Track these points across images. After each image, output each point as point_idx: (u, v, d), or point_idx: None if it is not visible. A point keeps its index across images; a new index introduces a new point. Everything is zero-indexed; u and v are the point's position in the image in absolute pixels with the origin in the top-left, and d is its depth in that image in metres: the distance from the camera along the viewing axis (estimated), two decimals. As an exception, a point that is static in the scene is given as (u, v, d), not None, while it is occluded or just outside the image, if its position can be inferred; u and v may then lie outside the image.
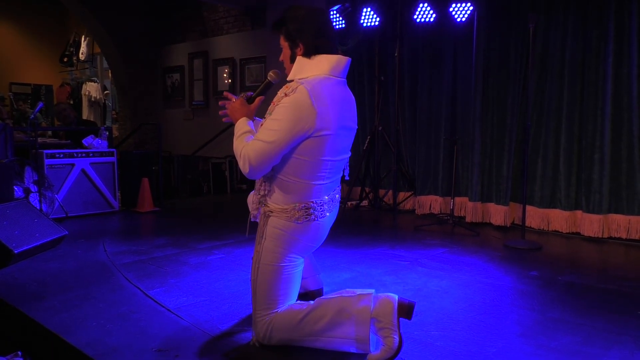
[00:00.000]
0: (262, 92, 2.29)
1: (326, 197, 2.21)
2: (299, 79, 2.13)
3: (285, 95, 2.05)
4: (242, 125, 2.20)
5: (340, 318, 2.05)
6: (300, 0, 2.97)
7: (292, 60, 2.22)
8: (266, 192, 2.19)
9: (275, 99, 2.13)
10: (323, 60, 2.16)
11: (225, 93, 2.42)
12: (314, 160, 2.10)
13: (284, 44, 2.23)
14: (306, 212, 2.14)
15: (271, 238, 2.16)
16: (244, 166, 2.06)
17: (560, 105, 4.65)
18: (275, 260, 2.15)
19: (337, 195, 2.31)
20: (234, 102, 2.28)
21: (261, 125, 2.15)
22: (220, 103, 2.36)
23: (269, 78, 2.30)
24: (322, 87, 2.09)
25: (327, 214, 2.22)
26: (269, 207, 2.18)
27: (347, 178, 2.48)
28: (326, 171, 2.17)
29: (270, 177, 2.17)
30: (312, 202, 2.15)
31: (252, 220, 2.33)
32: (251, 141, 2.08)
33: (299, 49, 2.18)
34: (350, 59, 2.26)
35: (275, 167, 2.12)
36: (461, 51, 5.30)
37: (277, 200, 2.16)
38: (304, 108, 2.01)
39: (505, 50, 4.94)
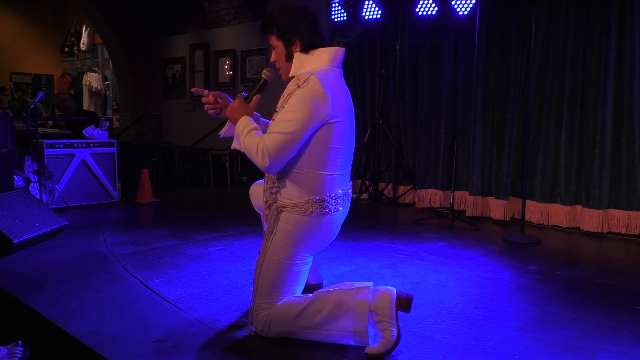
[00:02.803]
0: (258, 91, 2.30)
1: (340, 191, 2.21)
2: (306, 72, 2.15)
3: (298, 86, 2.07)
4: (245, 122, 2.18)
5: (339, 311, 2.05)
6: None
7: (288, 58, 2.24)
8: (279, 189, 2.19)
9: (285, 92, 2.15)
10: (322, 53, 2.20)
11: (193, 89, 2.48)
12: (326, 149, 2.12)
13: (277, 43, 2.24)
14: (320, 205, 2.14)
15: (282, 234, 2.15)
16: (262, 160, 2.04)
17: (561, 100, 4.64)
18: (284, 257, 2.14)
19: (349, 191, 2.31)
20: (233, 102, 2.28)
21: (274, 119, 2.14)
22: (200, 95, 2.40)
23: (263, 76, 2.31)
24: (329, 77, 2.14)
25: (340, 208, 2.23)
26: (281, 202, 2.18)
27: None
28: (337, 161, 2.17)
29: (283, 172, 2.16)
30: (326, 195, 2.15)
31: (263, 220, 2.33)
32: (268, 135, 2.07)
33: (295, 45, 2.21)
34: (345, 49, 2.29)
35: (288, 161, 2.12)
36: (462, 45, 5.28)
37: (290, 195, 2.16)
38: (318, 97, 2.04)
39: (506, 44, 4.92)
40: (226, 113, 2.30)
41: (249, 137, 2.12)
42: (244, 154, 2.18)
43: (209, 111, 2.38)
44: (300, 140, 2.06)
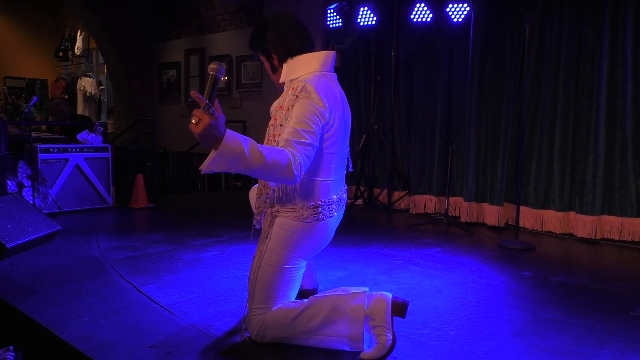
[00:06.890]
0: (213, 90, 1.79)
1: (334, 197, 2.21)
2: (297, 78, 2.14)
3: (297, 97, 2.04)
4: (240, 138, 1.77)
5: (334, 316, 2.05)
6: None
7: (274, 70, 2.29)
8: (274, 193, 2.17)
9: (284, 104, 2.09)
10: (312, 58, 2.19)
11: (192, 92, 1.76)
12: (320, 155, 2.11)
13: (262, 58, 2.31)
14: (315, 211, 2.13)
15: (276, 239, 2.15)
16: (299, 173, 1.86)
17: (555, 106, 4.67)
18: (278, 262, 2.14)
19: (344, 195, 2.31)
20: (203, 120, 1.70)
21: (278, 133, 2.06)
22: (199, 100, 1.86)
23: (211, 72, 1.80)
24: (322, 83, 2.12)
25: (335, 213, 2.22)
26: (276, 207, 2.17)
27: (350, 169, 2.44)
28: (332, 166, 2.17)
29: None
30: (321, 201, 2.15)
31: (256, 226, 2.30)
32: (299, 146, 1.90)
33: (274, 59, 2.26)
34: (335, 52, 2.30)
35: None
36: (457, 51, 5.31)
37: (285, 200, 2.15)
38: (317, 104, 2.03)
39: (501, 51, 4.95)
40: (203, 137, 1.72)
41: (263, 152, 1.78)
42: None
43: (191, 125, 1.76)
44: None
